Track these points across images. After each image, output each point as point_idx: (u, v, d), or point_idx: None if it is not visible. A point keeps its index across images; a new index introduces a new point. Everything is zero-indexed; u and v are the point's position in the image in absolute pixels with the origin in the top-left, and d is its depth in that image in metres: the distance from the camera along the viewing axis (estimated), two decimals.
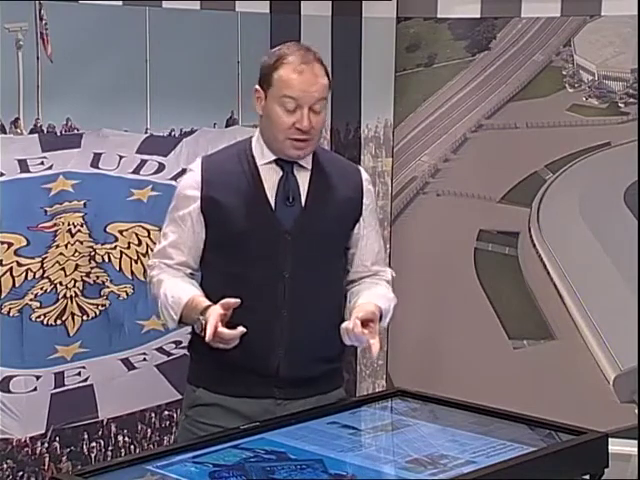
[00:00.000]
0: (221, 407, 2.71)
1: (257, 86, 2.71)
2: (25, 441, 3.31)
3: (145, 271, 3.16)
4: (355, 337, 2.59)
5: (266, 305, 2.68)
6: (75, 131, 3.33)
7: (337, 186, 2.77)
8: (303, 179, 2.73)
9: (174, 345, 3.56)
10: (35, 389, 3.31)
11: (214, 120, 3.68)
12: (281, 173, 2.72)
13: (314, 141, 2.71)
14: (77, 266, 3.36)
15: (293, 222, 2.70)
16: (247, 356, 2.62)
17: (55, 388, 3.35)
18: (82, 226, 3.35)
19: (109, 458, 3.43)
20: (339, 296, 2.81)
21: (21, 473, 3.31)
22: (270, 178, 2.71)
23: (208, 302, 2.59)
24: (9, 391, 3.26)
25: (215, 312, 2.52)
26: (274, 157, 2.71)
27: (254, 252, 2.69)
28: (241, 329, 2.51)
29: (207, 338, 2.49)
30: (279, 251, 2.68)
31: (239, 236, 2.68)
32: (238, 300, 2.51)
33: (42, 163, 3.29)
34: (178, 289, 2.67)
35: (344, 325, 2.63)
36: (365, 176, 2.86)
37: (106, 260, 3.44)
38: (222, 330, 2.50)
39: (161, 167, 3.57)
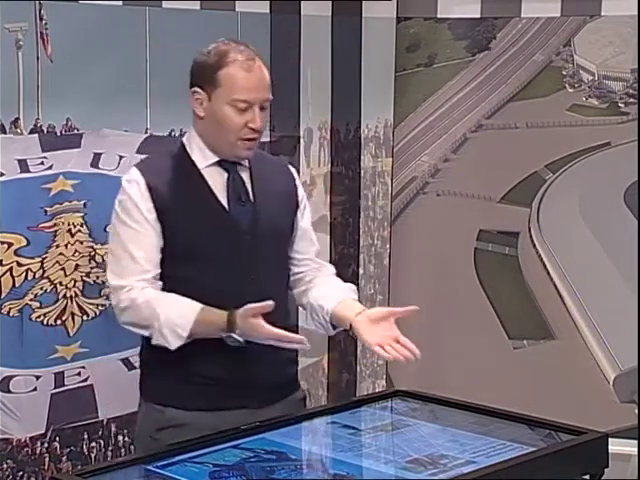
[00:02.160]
0: (195, 425, 2.56)
1: (196, 88, 2.59)
2: (25, 441, 3.31)
3: None
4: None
5: None
6: (75, 131, 3.33)
7: (275, 181, 2.73)
8: (245, 177, 2.67)
9: None
10: (35, 389, 3.30)
11: None
12: (226, 174, 2.64)
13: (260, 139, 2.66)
14: (77, 266, 3.35)
15: (249, 221, 2.63)
16: (222, 366, 2.55)
17: (55, 388, 3.34)
18: (82, 226, 3.35)
19: (109, 458, 3.42)
20: (289, 292, 2.77)
21: (21, 473, 3.30)
22: (216, 180, 2.63)
23: (224, 312, 2.48)
24: (9, 391, 3.25)
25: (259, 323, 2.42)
26: (217, 158, 2.64)
27: (214, 258, 2.59)
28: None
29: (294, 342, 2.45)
30: (241, 254, 2.60)
31: (196, 243, 2.58)
32: (271, 303, 2.43)
33: (42, 163, 3.28)
34: (179, 306, 2.54)
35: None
36: (293, 169, 2.85)
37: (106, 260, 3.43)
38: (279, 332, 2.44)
39: None
